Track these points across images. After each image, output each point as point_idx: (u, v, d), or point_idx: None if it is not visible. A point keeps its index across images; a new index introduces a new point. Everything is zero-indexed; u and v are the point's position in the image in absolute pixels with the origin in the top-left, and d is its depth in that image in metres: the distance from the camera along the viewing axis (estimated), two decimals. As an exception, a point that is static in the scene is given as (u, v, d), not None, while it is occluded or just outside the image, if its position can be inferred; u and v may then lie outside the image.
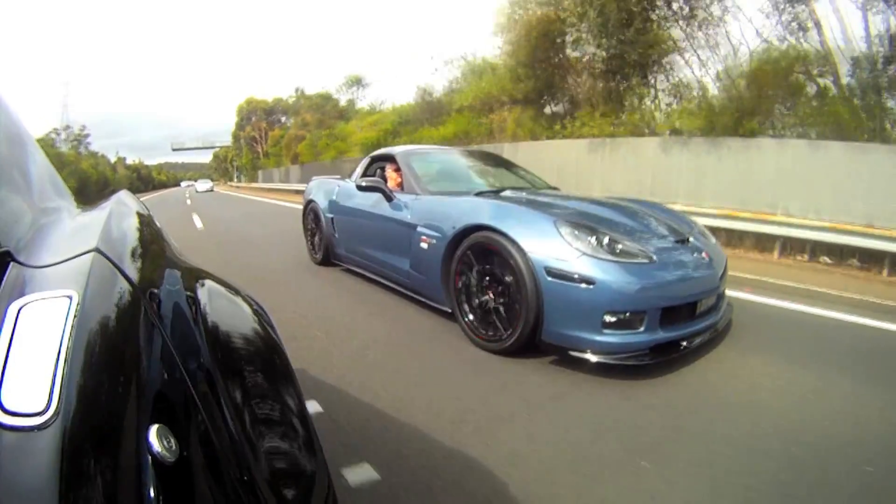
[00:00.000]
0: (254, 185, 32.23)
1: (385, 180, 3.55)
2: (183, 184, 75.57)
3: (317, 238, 4.45)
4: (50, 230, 0.69)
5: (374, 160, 4.04)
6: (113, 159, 54.92)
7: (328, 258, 4.27)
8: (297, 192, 17.79)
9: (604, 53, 8.28)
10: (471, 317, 2.52)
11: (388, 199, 3.25)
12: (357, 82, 25.93)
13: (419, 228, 2.86)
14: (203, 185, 39.08)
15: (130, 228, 0.79)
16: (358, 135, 18.52)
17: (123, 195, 1.01)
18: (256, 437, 0.56)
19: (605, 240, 2.15)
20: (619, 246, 2.16)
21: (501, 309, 2.35)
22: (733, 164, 6.25)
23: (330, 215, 4.11)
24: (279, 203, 14.99)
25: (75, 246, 0.60)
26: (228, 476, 0.50)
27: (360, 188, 3.45)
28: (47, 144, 34.71)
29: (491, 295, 2.41)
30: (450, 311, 2.70)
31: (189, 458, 0.42)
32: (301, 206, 4.87)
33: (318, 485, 0.58)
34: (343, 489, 1.42)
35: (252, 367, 0.68)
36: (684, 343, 2.19)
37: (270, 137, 34.59)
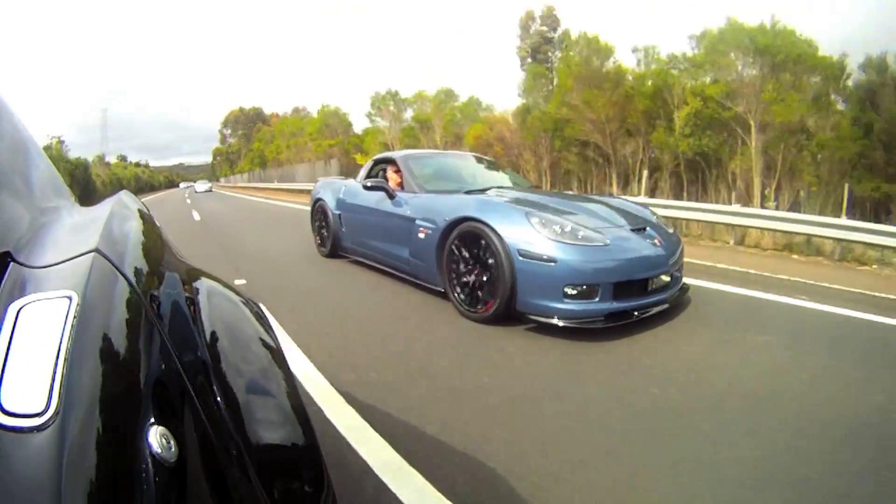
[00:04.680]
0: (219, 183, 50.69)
1: (386, 181, 3.73)
2: (182, 184, 65.47)
3: (325, 233, 4.63)
4: (50, 230, 0.63)
5: (377, 163, 4.23)
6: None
7: (335, 251, 4.46)
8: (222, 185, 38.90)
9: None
10: (460, 293, 2.74)
11: (391, 197, 3.47)
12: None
13: (418, 221, 3.11)
14: (202, 185, 36.12)
15: (131, 229, 0.73)
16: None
17: (124, 195, 0.93)
18: (255, 437, 0.51)
19: (568, 227, 2.42)
20: (581, 232, 2.41)
21: (484, 285, 2.57)
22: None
23: (337, 212, 4.31)
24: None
25: (75, 246, 0.55)
26: (227, 476, 0.45)
27: (366, 188, 3.67)
28: (121, 165, 55.49)
29: (476, 274, 2.63)
30: (443, 290, 2.92)
31: (188, 459, 0.39)
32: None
33: (317, 484, 0.53)
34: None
35: (250, 368, 0.63)
36: (636, 313, 2.42)
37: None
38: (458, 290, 2.76)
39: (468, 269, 2.70)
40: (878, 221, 6.76)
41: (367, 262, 4.00)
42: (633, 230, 2.68)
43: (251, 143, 41.24)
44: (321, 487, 0.53)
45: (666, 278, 2.59)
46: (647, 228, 2.79)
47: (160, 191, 49.05)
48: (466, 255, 2.69)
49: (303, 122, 31.32)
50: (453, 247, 2.77)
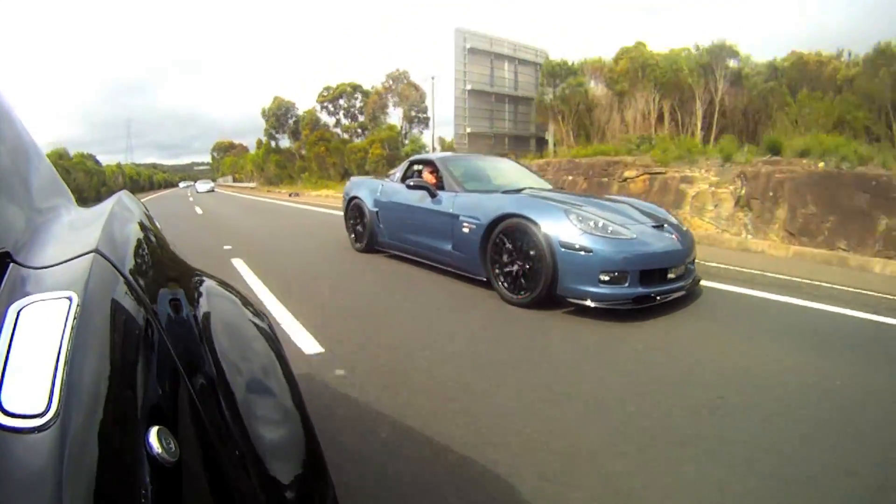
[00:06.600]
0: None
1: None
2: (181, 184, 65.44)
3: (360, 229, 4.73)
4: (49, 231, 0.63)
5: (413, 163, 4.36)
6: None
7: (371, 246, 4.57)
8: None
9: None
10: (504, 281, 2.95)
11: (433, 195, 3.65)
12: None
13: (461, 217, 3.31)
14: (203, 185, 34.45)
15: (131, 229, 0.72)
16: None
17: (124, 196, 0.91)
18: (255, 437, 0.49)
19: (601, 223, 2.69)
20: (611, 227, 2.68)
21: (527, 273, 2.78)
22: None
23: (375, 209, 4.43)
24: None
25: (75, 247, 0.54)
26: (228, 476, 0.43)
27: (409, 187, 3.86)
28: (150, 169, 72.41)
29: (519, 264, 2.83)
30: (485, 279, 3.10)
31: (189, 459, 0.38)
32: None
33: (318, 483, 0.51)
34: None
35: (251, 368, 0.61)
36: (658, 297, 2.66)
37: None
38: (502, 278, 2.96)
39: (511, 260, 2.90)
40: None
41: (403, 255, 4.11)
42: (653, 226, 2.91)
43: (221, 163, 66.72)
44: (322, 486, 0.53)
45: (677, 272, 2.80)
46: (666, 225, 2.99)
47: (175, 187, 69.91)
48: (510, 247, 2.90)
49: (227, 159, 56.86)
50: (497, 240, 2.97)
